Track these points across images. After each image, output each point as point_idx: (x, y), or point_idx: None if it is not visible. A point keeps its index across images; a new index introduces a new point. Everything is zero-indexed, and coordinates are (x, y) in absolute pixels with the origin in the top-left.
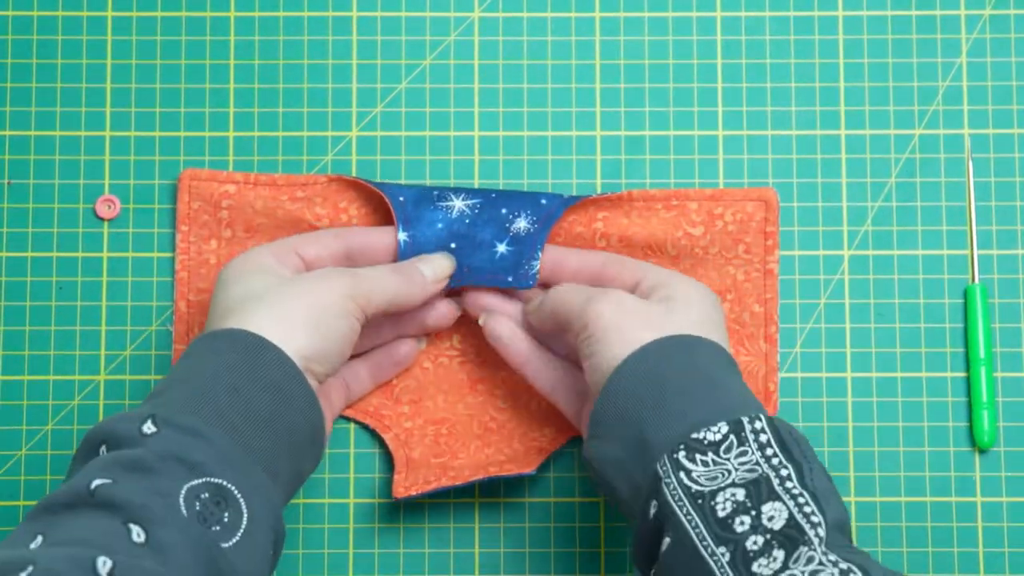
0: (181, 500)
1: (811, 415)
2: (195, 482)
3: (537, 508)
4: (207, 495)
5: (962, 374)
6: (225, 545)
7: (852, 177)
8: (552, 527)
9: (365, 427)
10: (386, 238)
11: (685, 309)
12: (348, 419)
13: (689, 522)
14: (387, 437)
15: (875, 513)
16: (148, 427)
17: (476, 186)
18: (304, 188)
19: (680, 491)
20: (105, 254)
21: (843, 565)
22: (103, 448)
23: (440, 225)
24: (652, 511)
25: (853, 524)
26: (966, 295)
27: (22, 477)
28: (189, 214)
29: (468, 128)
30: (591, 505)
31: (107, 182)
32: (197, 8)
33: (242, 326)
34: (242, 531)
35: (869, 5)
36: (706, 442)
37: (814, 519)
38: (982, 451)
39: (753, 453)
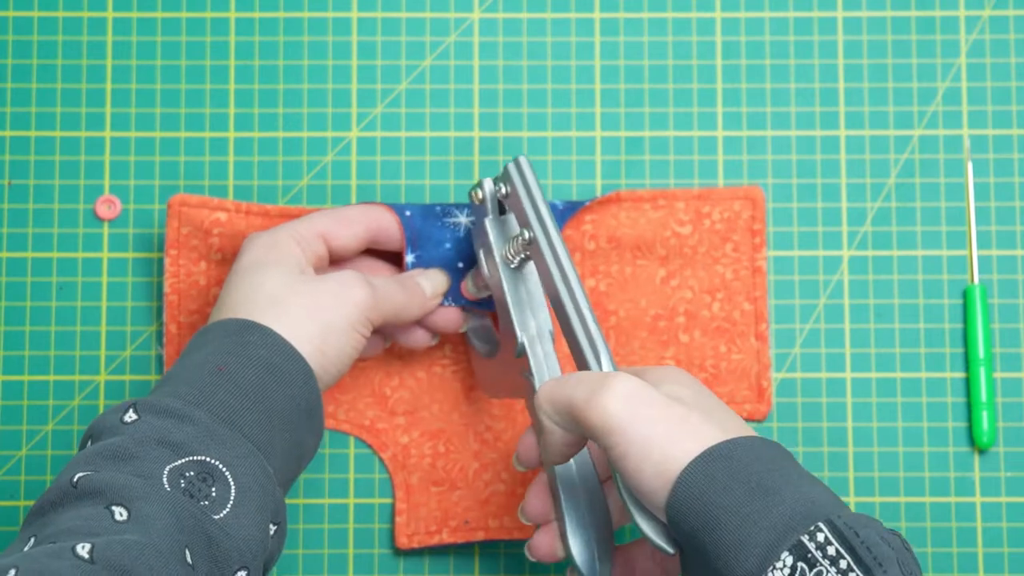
0: (164, 480)
1: (810, 415)
2: (178, 462)
3: None
4: (192, 473)
5: (961, 374)
6: (217, 516)
7: (851, 178)
8: None
9: (362, 442)
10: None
11: (696, 402)
12: (345, 434)
13: None
14: (385, 457)
15: (874, 513)
16: (129, 416)
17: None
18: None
19: None
20: (105, 254)
21: None
22: (89, 443)
23: (448, 245)
24: None
25: None
26: (965, 295)
27: (22, 477)
28: (178, 239)
29: (468, 129)
30: None
31: (107, 182)
32: (197, 9)
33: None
34: (232, 502)
35: (868, 6)
36: None
37: None
38: (981, 451)
39: (827, 572)
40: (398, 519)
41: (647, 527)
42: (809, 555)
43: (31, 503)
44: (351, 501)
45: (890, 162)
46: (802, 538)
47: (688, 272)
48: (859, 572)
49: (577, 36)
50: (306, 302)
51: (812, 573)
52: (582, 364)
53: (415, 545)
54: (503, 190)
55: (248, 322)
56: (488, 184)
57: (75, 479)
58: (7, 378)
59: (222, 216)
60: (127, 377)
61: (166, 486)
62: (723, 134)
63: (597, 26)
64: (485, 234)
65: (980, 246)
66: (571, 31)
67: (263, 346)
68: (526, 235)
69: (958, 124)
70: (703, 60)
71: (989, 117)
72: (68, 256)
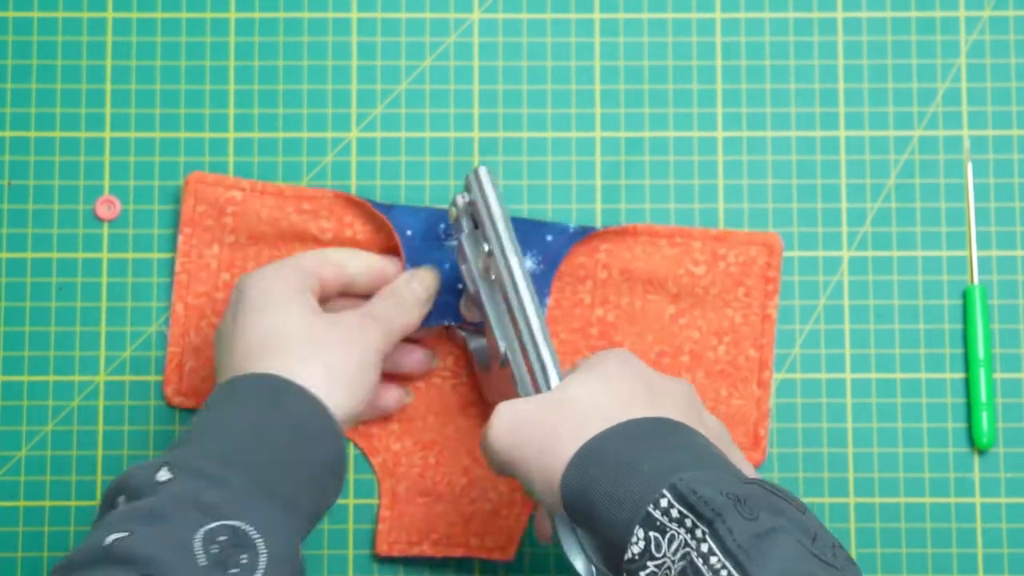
0: (198, 545)
1: (810, 416)
2: (211, 525)
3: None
4: (224, 538)
5: (961, 375)
6: None
7: (851, 178)
8: None
9: (354, 445)
10: (393, 269)
11: (578, 391)
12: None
13: None
14: (375, 462)
15: (874, 514)
16: (163, 474)
17: None
18: (311, 201)
19: None
20: (105, 255)
21: None
22: (121, 499)
23: (447, 266)
24: None
25: (852, 526)
26: (965, 296)
27: (22, 478)
28: (193, 217)
29: (468, 129)
30: None
31: (107, 183)
32: (197, 9)
33: (270, 370)
34: (261, 572)
35: (868, 7)
36: (637, 556)
37: None
38: (981, 452)
39: (679, 535)
40: (380, 526)
41: (573, 555)
42: (658, 523)
43: (31, 503)
44: (351, 502)
45: (890, 163)
46: (648, 508)
47: (698, 312)
48: (703, 527)
49: (577, 37)
50: (330, 355)
51: (666, 539)
52: (533, 380)
53: (395, 554)
54: (467, 198)
55: (280, 382)
56: (460, 200)
57: (108, 542)
58: (7, 378)
59: (237, 195)
60: (127, 378)
61: (198, 555)
62: (723, 134)
63: (597, 27)
64: (463, 250)
65: (980, 247)
66: (571, 32)
67: (297, 406)
68: (485, 248)
69: (958, 125)
70: (703, 61)
71: (989, 118)
72: (68, 256)
